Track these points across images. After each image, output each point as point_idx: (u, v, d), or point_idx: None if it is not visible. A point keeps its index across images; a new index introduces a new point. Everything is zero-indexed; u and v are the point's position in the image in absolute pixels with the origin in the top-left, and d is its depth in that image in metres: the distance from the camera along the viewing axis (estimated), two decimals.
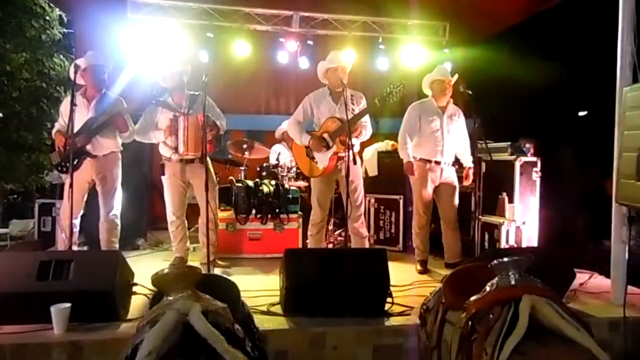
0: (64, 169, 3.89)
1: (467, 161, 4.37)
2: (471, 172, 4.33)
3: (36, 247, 4.70)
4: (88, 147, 3.96)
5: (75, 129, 3.82)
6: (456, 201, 4.34)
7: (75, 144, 3.80)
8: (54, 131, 4.08)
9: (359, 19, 6.12)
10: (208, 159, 4.07)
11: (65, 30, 5.69)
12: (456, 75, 4.26)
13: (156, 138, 4.11)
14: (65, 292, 2.63)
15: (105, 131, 3.99)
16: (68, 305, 2.56)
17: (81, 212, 4.05)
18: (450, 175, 4.31)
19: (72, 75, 3.79)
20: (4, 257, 2.96)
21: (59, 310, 2.54)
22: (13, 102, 5.35)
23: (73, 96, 3.59)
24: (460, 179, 4.40)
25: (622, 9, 3.24)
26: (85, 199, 4.08)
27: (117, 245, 4.15)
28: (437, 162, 4.24)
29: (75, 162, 3.80)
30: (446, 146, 4.24)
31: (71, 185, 3.50)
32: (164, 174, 4.18)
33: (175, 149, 3.98)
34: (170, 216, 4.19)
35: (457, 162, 4.37)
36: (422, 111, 4.27)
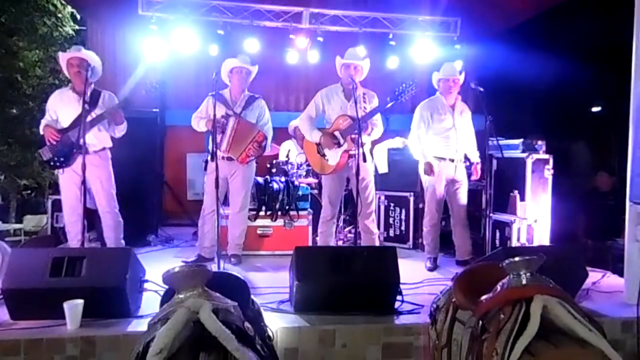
0: (57, 164, 3.81)
1: (475, 157, 4.36)
2: (479, 167, 4.32)
3: (49, 243, 4.76)
4: (81, 142, 3.76)
5: (67, 124, 3.76)
6: (466, 198, 4.33)
7: (68, 138, 3.73)
8: (41, 126, 3.89)
9: (369, 15, 6.09)
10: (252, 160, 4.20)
11: (77, 27, 5.72)
12: (463, 74, 4.23)
13: (200, 127, 4.16)
14: (77, 289, 2.66)
15: (98, 126, 3.90)
16: (81, 301, 2.59)
17: (81, 207, 3.78)
18: (461, 172, 4.30)
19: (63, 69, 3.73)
20: (18, 253, 2.99)
21: (72, 307, 2.57)
22: (26, 99, 5.39)
23: (84, 94, 3.59)
24: (469, 175, 4.39)
25: (637, 4, 3.18)
26: (82, 194, 4.00)
27: (122, 240, 4.13)
28: (451, 160, 4.23)
29: (67, 158, 3.72)
30: (458, 143, 4.24)
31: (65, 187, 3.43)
32: (205, 170, 4.27)
33: (218, 145, 3.98)
34: (202, 211, 4.26)
35: (466, 159, 4.36)
36: (433, 109, 4.25)
